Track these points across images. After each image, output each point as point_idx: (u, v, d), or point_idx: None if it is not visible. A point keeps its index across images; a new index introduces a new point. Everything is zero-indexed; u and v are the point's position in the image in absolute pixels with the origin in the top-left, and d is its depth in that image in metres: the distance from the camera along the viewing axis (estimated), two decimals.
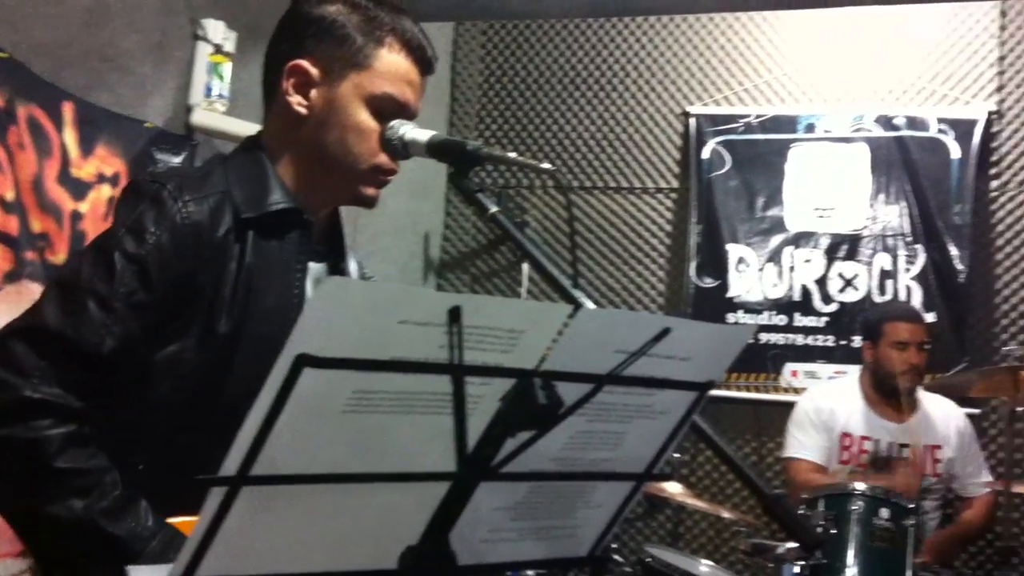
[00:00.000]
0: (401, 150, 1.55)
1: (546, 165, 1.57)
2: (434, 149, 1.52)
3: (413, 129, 1.55)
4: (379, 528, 1.12)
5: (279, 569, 1.05)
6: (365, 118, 1.55)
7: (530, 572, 3.10)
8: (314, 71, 1.55)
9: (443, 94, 4.96)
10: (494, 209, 1.47)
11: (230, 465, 0.95)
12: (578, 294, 1.41)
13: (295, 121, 1.56)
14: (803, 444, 3.82)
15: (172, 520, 1.39)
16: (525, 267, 4.64)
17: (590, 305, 1.37)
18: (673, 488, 3.51)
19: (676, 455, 3.76)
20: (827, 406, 3.85)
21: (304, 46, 1.56)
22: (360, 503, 1.09)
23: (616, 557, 3.38)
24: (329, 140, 1.55)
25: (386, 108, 1.55)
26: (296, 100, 1.56)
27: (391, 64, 1.56)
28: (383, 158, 1.56)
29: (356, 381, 1.00)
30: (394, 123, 1.55)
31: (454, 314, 1.03)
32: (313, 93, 1.56)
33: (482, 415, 1.10)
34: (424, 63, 1.61)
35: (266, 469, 0.97)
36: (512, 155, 1.57)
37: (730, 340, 1.34)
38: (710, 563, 3.48)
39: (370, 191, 1.59)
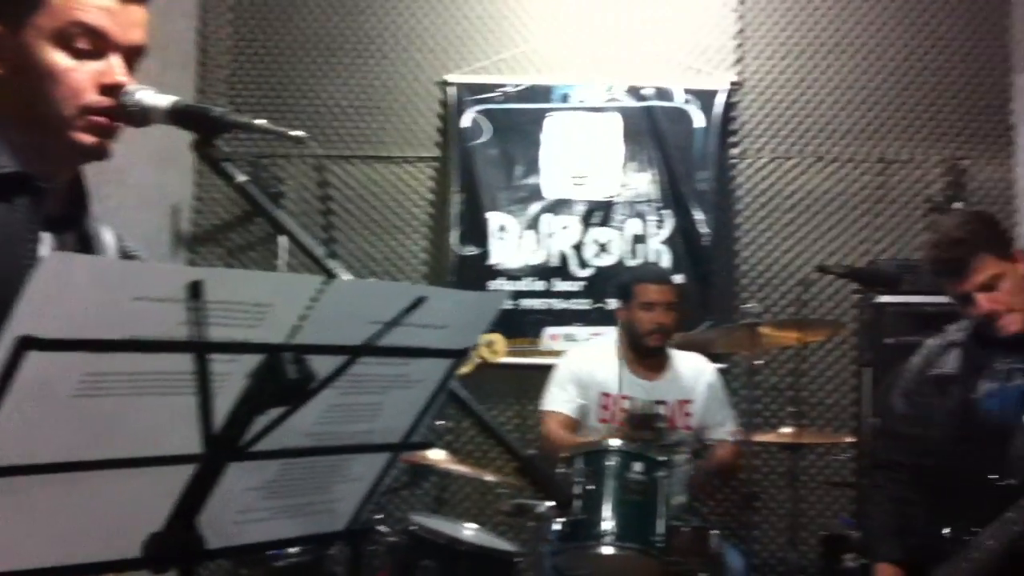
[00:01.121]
0: (139, 116, 1.46)
1: (297, 133, 1.52)
2: (176, 115, 1.43)
3: (152, 94, 1.46)
4: (120, 516, 1.06)
5: (6, 566, 0.98)
6: (56, 58, 1.41)
7: (293, 549, 3.06)
8: None
9: (188, 58, 4.72)
10: (241, 178, 1.41)
11: None
12: (332, 265, 1.38)
13: None
14: (557, 398, 3.97)
15: None
16: (283, 239, 4.52)
17: (344, 276, 1.34)
18: (437, 455, 3.54)
19: (440, 422, 3.79)
20: (586, 366, 4.00)
21: None
22: (95, 491, 1.03)
23: (381, 528, 3.38)
24: (28, 94, 1.43)
25: (77, 41, 1.41)
26: None
27: None
28: (90, 97, 1.42)
29: (87, 363, 0.94)
30: (130, 88, 1.45)
31: (194, 289, 0.98)
32: (5, 51, 1.43)
33: (229, 393, 1.06)
34: None
35: None
36: (260, 122, 1.51)
37: (484, 307, 1.35)
38: (475, 526, 3.53)
39: (87, 139, 1.45)
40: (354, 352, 1.15)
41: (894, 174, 4.68)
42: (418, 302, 1.18)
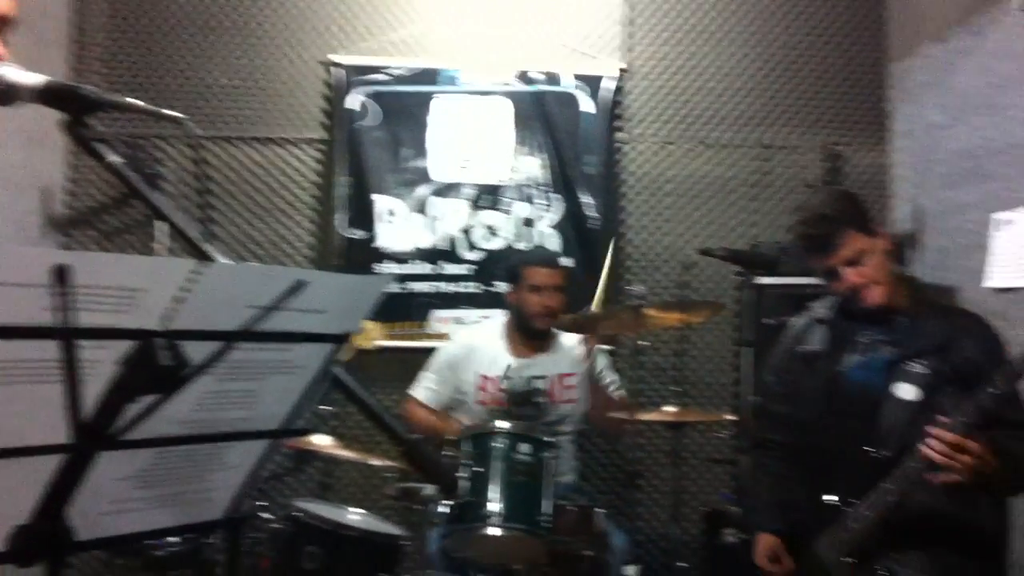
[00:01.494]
0: (5, 94, 1.40)
1: (173, 113, 1.48)
2: (44, 94, 1.39)
3: (19, 71, 1.40)
4: None
5: None
6: None
7: (173, 538, 3.00)
8: None
9: (61, 35, 4.54)
10: (114, 159, 1.37)
11: None
12: (210, 248, 1.35)
13: None
14: (421, 384, 4.02)
15: None
16: (161, 222, 4.40)
17: (221, 259, 1.31)
18: (321, 440, 3.51)
19: (325, 407, 3.75)
20: (466, 350, 4.01)
21: None
22: None
23: (264, 514, 3.33)
24: None
25: None
26: None
27: None
28: None
29: None
30: None
31: (60, 273, 0.95)
32: None
33: (99, 381, 1.03)
34: None
35: None
36: (134, 101, 1.47)
37: (366, 291, 1.34)
38: (360, 511, 3.51)
39: None
40: (230, 338, 1.13)
41: (775, 159, 4.80)
42: (297, 286, 1.17)
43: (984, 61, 3.86)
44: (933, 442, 2.41)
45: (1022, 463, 2.56)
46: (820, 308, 3.05)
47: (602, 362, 4.12)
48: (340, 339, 1.29)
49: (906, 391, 2.73)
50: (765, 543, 2.95)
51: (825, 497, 2.85)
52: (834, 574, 2.77)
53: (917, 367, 2.74)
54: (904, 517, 2.65)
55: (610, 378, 4.10)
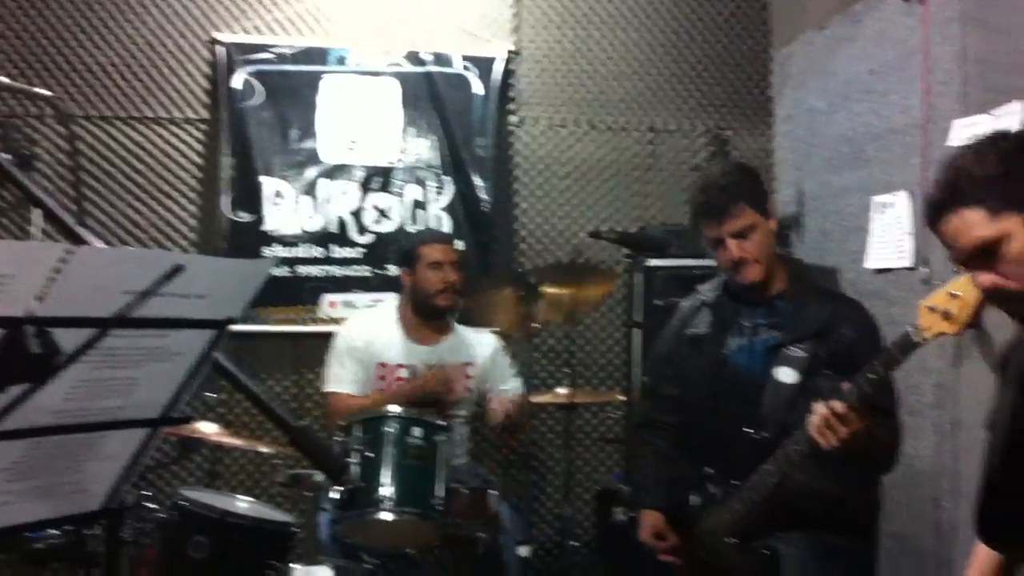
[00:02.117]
0: None
1: (44, 91, 1.42)
2: None
3: None
4: None
5: None
6: None
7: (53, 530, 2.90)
8: None
9: None
10: None
11: None
12: (84, 233, 1.30)
13: None
14: (341, 377, 3.91)
15: None
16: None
17: (95, 244, 1.26)
18: (208, 428, 3.43)
19: (211, 394, 3.67)
20: (364, 337, 3.95)
21: None
22: None
23: (148, 504, 3.25)
24: None
25: None
26: None
27: None
28: None
29: None
30: None
31: None
32: None
33: None
34: None
35: None
36: (2, 79, 1.40)
37: (249, 275, 1.31)
38: (249, 499, 3.46)
39: None
40: (104, 324, 1.09)
41: (663, 143, 4.87)
42: (175, 271, 1.13)
43: (863, 48, 3.97)
44: (816, 411, 2.48)
45: (878, 446, 2.65)
46: (707, 291, 3.11)
47: (502, 365, 4.11)
48: (222, 325, 1.26)
49: (786, 374, 2.81)
50: (650, 520, 3.00)
51: (706, 469, 2.92)
52: (717, 554, 2.83)
53: (797, 351, 2.82)
54: (785, 498, 2.72)
55: (504, 378, 4.10)
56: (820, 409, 2.45)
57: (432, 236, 4.17)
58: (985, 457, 2.01)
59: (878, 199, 3.80)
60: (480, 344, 4.07)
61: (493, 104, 4.68)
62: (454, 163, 4.64)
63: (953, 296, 2.19)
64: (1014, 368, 1.96)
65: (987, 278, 1.81)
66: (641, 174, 4.85)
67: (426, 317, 3.96)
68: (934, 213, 1.85)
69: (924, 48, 3.49)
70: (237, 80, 4.48)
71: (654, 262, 4.19)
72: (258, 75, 4.49)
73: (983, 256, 1.79)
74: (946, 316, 2.23)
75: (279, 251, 4.47)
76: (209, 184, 4.53)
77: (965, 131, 3.22)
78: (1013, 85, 3.01)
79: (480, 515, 3.30)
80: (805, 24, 4.49)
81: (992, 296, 1.83)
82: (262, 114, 4.49)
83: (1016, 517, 1.56)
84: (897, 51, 3.71)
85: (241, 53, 4.50)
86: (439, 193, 4.64)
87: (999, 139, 1.81)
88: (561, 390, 3.89)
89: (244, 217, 4.47)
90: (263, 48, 4.51)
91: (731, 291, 3.01)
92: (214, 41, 4.52)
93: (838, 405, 2.43)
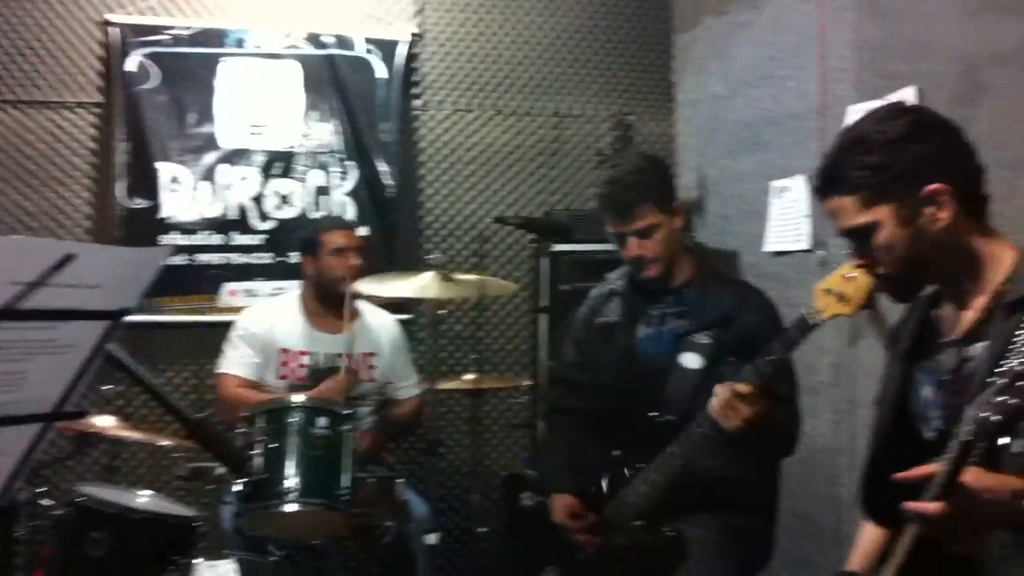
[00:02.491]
0: None
1: None
2: None
3: None
4: None
5: None
6: None
7: None
8: None
9: None
10: None
11: None
12: None
13: None
14: (233, 360, 3.86)
15: None
16: None
17: None
18: (105, 421, 3.34)
19: (108, 387, 3.56)
20: (264, 323, 3.90)
21: None
22: None
23: (44, 501, 3.15)
24: None
25: None
26: None
27: None
28: None
29: None
30: None
31: None
32: None
33: None
34: None
35: None
36: None
37: (145, 263, 1.26)
38: (150, 493, 3.38)
39: None
40: None
41: (567, 128, 4.88)
42: (66, 260, 1.08)
43: (762, 34, 4.04)
44: (719, 392, 2.52)
45: (779, 430, 2.75)
46: (615, 280, 3.14)
47: (403, 357, 4.09)
48: (116, 316, 1.21)
49: (691, 360, 2.88)
50: (563, 502, 3.02)
51: (615, 453, 2.95)
52: (625, 537, 2.87)
53: (702, 338, 2.88)
54: (689, 480, 2.77)
55: (403, 370, 4.08)
56: (722, 390, 2.50)
57: (334, 222, 4.14)
58: (871, 433, 2.08)
59: (776, 183, 3.87)
60: (384, 331, 4.05)
61: (397, 88, 4.63)
62: (357, 148, 4.58)
63: (848, 278, 2.24)
64: (901, 346, 2.02)
65: (859, 260, 1.90)
66: (546, 159, 4.85)
67: (330, 305, 3.91)
68: (818, 191, 1.93)
69: (820, 35, 3.57)
70: (131, 63, 4.34)
71: (560, 247, 4.20)
72: (153, 57, 4.36)
73: (856, 240, 1.86)
74: (841, 298, 2.29)
75: (177, 239, 4.36)
76: (103, 170, 4.39)
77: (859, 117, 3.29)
78: (905, 71, 3.09)
79: (387, 504, 3.28)
80: (706, 9, 4.54)
81: (868, 275, 1.91)
82: (158, 98, 4.36)
83: (900, 494, 1.60)
84: (794, 37, 3.78)
85: (135, 35, 4.35)
86: (343, 178, 4.58)
87: (895, 116, 1.85)
88: (468, 376, 3.89)
89: (140, 204, 4.34)
90: (158, 30, 4.38)
91: (638, 281, 3.05)
92: (107, 22, 4.36)
93: (739, 386, 2.49)
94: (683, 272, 2.99)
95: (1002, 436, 1.44)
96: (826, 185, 1.88)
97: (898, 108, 1.88)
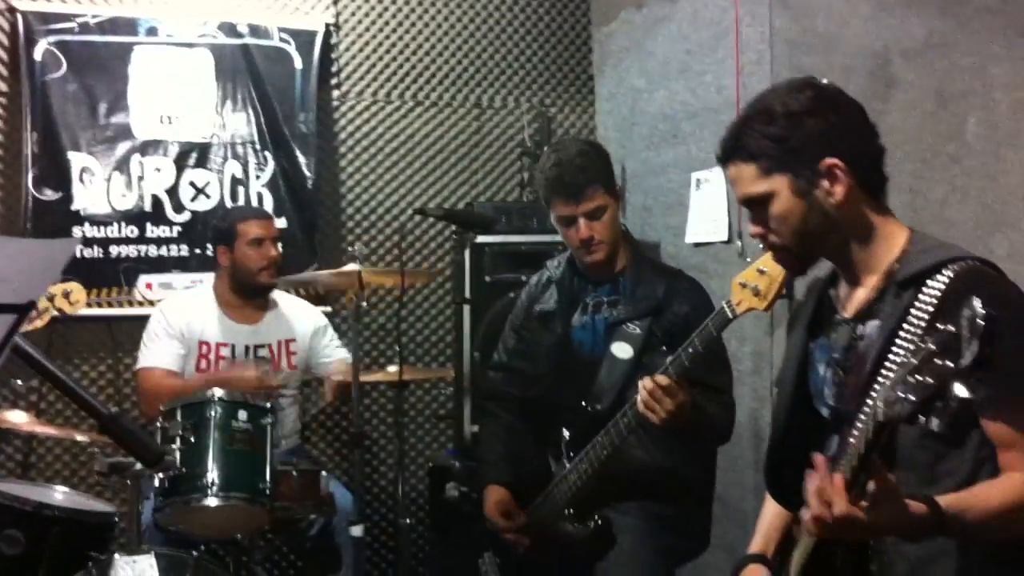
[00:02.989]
0: None
1: None
2: None
3: None
4: None
5: None
6: None
7: None
8: None
9: None
10: None
11: None
12: None
13: None
14: (156, 353, 3.80)
15: None
16: None
17: None
18: (18, 417, 3.25)
19: (18, 382, 3.47)
20: (182, 316, 3.84)
21: None
22: None
23: None
24: None
25: None
26: None
27: None
28: None
29: None
30: None
31: None
32: None
33: None
34: None
35: None
36: None
37: (51, 256, 1.23)
38: (66, 489, 3.31)
39: None
40: None
41: (488, 119, 4.88)
42: None
43: (680, 28, 4.08)
44: (643, 386, 2.55)
45: (709, 420, 2.78)
46: (553, 267, 3.15)
47: (327, 339, 4.07)
48: (22, 309, 1.18)
49: (622, 350, 2.89)
50: (496, 496, 3.02)
51: (548, 442, 2.97)
52: (555, 526, 2.88)
53: (633, 328, 2.89)
54: (618, 470, 2.80)
55: (330, 349, 4.06)
56: (645, 383, 2.52)
57: (251, 212, 4.10)
58: (773, 415, 2.12)
59: (696, 175, 3.92)
60: (302, 318, 4.03)
61: (314, 78, 4.57)
62: (275, 139, 4.51)
63: (761, 273, 2.28)
64: (799, 324, 2.06)
65: (755, 229, 1.92)
66: (467, 151, 4.84)
67: (247, 295, 3.89)
68: (720, 157, 1.96)
69: (735, 28, 3.62)
70: (38, 51, 4.21)
71: (482, 239, 4.20)
72: (60, 46, 4.23)
73: (753, 208, 1.90)
74: (756, 292, 2.34)
75: (89, 231, 4.26)
76: (11, 161, 4.26)
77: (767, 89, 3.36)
78: (818, 65, 3.15)
79: (311, 497, 3.26)
80: (624, 3, 4.57)
81: (761, 240, 1.93)
82: (67, 87, 4.24)
83: (802, 475, 1.64)
84: (711, 31, 3.83)
85: (42, 23, 4.23)
86: (260, 170, 4.51)
87: (800, 90, 1.87)
88: (392, 368, 3.87)
89: (50, 195, 4.23)
90: (65, 17, 4.25)
91: (576, 269, 3.06)
92: (12, 9, 4.23)
93: (660, 378, 2.51)
94: (620, 260, 3.01)
95: (917, 416, 1.44)
96: (728, 151, 1.91)
97: (804, 82, 1.90)
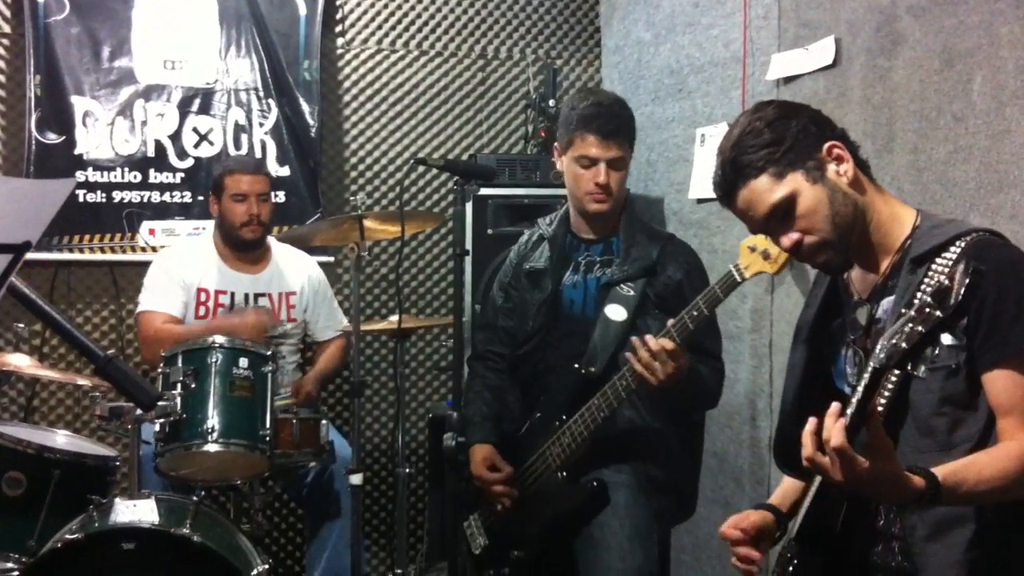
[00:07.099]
0: None
1: None
2: None
3: None
4: None
5: None
6: None
7: None
8: None
9: None
10: None
11: None
12: None
13: None
14: (157, 297, 3.80)
15: None
16: None
17: None
18: (20, 360, 3.27)
19: (21, 325, 3.49)
20: (182, 262, 3.85)
21: None
22: None
23: None
24: None
25: None
26: None
27: None
28: None
29: None
30: None
31: None
32: None
33: None
34: None
35: None
36: None
37: (48, 196, 1.23)
38: (68, 432, 3.34)
39: None
40: None
41: (494, 71, 4.84)
42: None
43: None
44: (639, 346, 2.55)
45: (703, 385, 2.79)
46: (545, 225, 3.12)
47: (325, 299, 4.07)
48: (19, 249, 1.18)
49: (615, 312, 2.87)
50: (481, 453, 3.01)
51: (536, 403, 2.97)
52: (547, 488, 2.88)
53: (627, 290, 2.88)
54: (613, 433, 2.80)
55: (327, 311, 4.08)
56: (648, 343, 2.52)
57: (238, 165, 3.95)
58: (783, 392, 2.12)
59: (700, 130, 3.90)
60: (300, 271, 4.02)
61: (318, 25, 4.53)
62: (278, 86, 4.49)
63: None
64: (811, 310, 2.08)
65: (789, 237, 1.90)
66: (472, 102, 4.81)
67: (234, 248, 3.87)
68: (724, 193, 1.96)
69: None
70: None
71: (484, 191, 4.18)
72: None
73: (780, 218, 1.88)
74: (765, 256, 2.34)
75: (92, 175, 4.26)
76: (14, 104, 4.25)
77: (781, 67, 3.33)
78: (825, 20, 3.12)
79: (311, 445, 3.29)
80: None
81: (797, 253, 1.92)
82: (70, 30, 4.22)
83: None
84: None
85: None
86: (264, 117, 4.49)
87: (762, 108, 1.94)
88: (393, 318, 3.88)
89: (52, 139, 4.22)
90: None
91: (568, 227, 3.04)
92: None
93: (665, 342, 2.51)
94: (615, 220, 2.99)
95: (909, 362, 1.51)
96: (733, 181, 1.92)
97: (761, 103, 1.97)
